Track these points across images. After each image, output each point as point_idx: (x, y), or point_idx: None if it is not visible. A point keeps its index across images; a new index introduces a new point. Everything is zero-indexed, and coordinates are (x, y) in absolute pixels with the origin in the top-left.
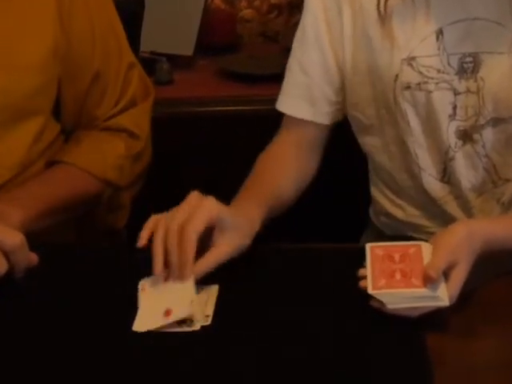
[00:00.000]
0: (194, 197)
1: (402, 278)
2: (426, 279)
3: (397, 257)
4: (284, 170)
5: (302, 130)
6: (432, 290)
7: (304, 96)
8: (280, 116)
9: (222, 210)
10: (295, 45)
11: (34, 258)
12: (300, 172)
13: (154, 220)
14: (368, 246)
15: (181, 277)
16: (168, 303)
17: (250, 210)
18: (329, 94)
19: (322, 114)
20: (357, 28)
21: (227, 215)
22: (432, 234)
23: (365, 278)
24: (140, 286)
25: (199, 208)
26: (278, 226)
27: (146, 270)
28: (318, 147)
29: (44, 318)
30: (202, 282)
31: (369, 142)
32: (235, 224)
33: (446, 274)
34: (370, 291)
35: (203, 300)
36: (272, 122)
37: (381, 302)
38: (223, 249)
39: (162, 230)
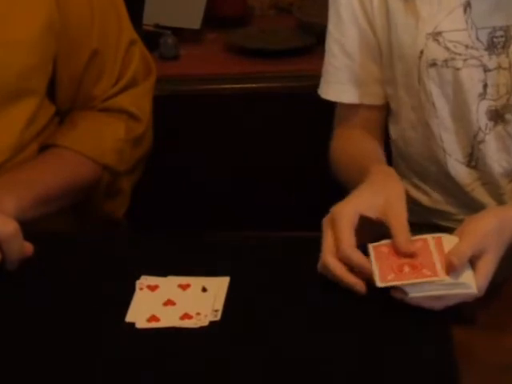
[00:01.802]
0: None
1: (411, 270)
2: (448, 267)
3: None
4: (370, 141)
5: (358, 114)
6: (455, 277)
7: (349, 80)
8: (296, 94)
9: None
10: (331, 25)
11: (28, 247)
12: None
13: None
14: (370, 245)
15: None
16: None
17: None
18: (374, 71)
19: (371, 95)
20: (381, 2)
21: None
22: (460, 221)
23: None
24: (138, 285)
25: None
26: (292, 216)
27: (147, 263)
28: (380, 126)
29: (37, 313)
30: (212, 273)
31: (388, 125)
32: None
33: (473, 264)
34: (379, 284)
35: (213, 293)
36: (285, 101)
37: (403, 292)
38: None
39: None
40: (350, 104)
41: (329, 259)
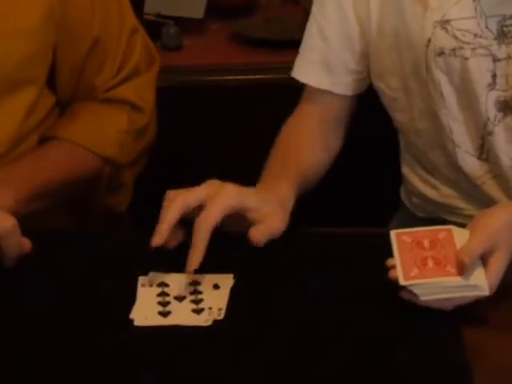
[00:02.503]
0: (211, 183)
1: (435, 266)
2: (459, 266)
3: (426, 243)
4: (308, 144)
5: (323, 100)
6: (468, 278)
7: (321, 63)
8: (299, 86)
9: (244, 196)
10: (315, 7)
11: (26, 244)
12: (325, 147)
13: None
14: (393, 232)
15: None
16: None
17: (280, 189)
18: (348, 61)
19: (341, 84)
20: None
21: (252, 201)
22: (469, 217)
23: (394, 268)
24: (140, 281)
25: (217, 195)
26: (297, 210)
27: (150, 259)
28: (342, 120)
29: (36, 310)
30: (215, 271)
31: (395, 117)
32: (265, 209)
33: (484, 261)
34: (402, 282)
35: (216, 291)
36: (290, 93)
37: (412, 294)
38: (274, 224)
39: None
40: (319, 89)
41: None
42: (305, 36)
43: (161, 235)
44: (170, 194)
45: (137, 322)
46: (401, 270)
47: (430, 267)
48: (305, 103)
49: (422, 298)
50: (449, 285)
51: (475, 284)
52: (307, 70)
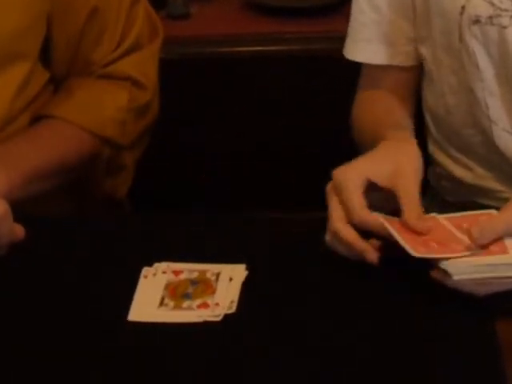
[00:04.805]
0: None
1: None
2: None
3: (465, 227)
4: (398, 106)
5: (387, 76)
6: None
7: (378, 37)
8: (318, 58)
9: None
10: None
11: (19, 231)
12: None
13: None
14: (381, 218)
15: None
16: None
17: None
18: (406, 29)
19: (401, 55)
20: None
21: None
22: (505, 200)
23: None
24: (143, 273)
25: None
26: (316, 195)
27: (151, 248)
28: (410, 92)
29: (30, 302)
30: (227, 260)
31: (424, 90)
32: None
33: None
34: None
35: (227, 283)
36: (308, 64)
37: (444, 273)
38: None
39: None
40: (378, 65)
41: (339, 225)
42: (352, 13)
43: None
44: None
45: (137, 318)
46: (408, 245)
47: (436, 247)
48: (365, 82)
49: (456, 278)
50: (486, 263)
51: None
52: (362, 48)
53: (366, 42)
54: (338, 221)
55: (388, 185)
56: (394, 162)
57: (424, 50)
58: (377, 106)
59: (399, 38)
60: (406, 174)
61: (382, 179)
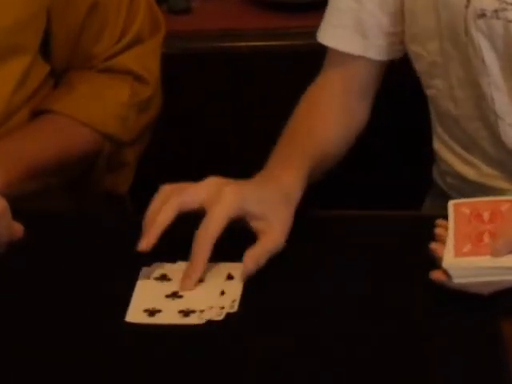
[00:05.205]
0: (211, 183)
1: (490, 243)
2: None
3: (486, 215)
4: (329, 117)
5: (350, 67)
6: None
7: (353, 26)
8: (320, 53)
9: (246, 200)
10: None
11: (18, 228)
12: (348, 120)
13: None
14: (451, 203)
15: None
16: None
17: (285, 180)
18: (384, 23)
19: (374, 48)
20: None
21: (254, 207)
22: None
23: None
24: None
25: (217, 200)
26: (323, 190)
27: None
28: (369, 90)
29: (26, 301)
30: (227, 258)
31: (430, 85)
32: (268, 213)
33: None
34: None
35: (229, 282)
36: (312, 60)
37: (445, 275)
38: (272, 237)
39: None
40: (349, 53)
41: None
42: None
43: (149, 240)
44: (166, 189)
45: (136, 319)
46: (452, 245)
47: (486, 243)
48: (328, 71)
49: (456, 281)
50: (490, 266)
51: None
52: (335, 34)
53: (341, 28)
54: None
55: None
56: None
57: (415, 47)
58: (307, 115)
59: (375, 31)
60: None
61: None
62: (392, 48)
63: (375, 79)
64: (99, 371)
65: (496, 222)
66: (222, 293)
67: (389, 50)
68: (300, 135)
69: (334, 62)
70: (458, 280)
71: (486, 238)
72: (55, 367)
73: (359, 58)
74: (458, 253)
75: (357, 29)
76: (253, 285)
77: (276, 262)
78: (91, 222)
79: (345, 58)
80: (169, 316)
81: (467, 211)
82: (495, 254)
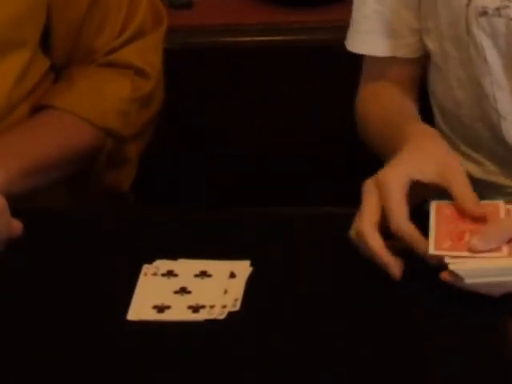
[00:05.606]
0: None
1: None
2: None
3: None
4: (403, 98)
5: (389, 69)
6: None
7: (382, 29)
8: (323, 48)
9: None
10: None
11: (17, 226)
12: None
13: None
14: (433, 203)
15: None
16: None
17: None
18: (410, 19)
19: (406, 47)
20: None
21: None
22: None
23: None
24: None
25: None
26: (324, 188)
27: (155, 243)
28: (415, 85)
29: (26, 300)
30: (230, 256)
31: (432, 83)
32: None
33: None
34: (432, 252)
35: (231, 280)
36: (315, 56)
37: (456, 276)
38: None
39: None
40: (381, 57)
41: (367, 228)
42: (355, 4)
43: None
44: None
45: (144, 317)
46: (433, 239)
47: (466, 241)
48: (366, 75)
49: (468, 281)
50: (498, 267)
51: None
52: (365, 40)
53: (369, 34)
54: (367, 223)
55: (436, 180)
56: (435, 159)
57: (430, 42)
58: (383, 99)
59: (403, 30)
60: (453, 168)
61: (428, 177)
62: (422, 44)
63: (416, 74)
64: (99, 371)
65: (477, 224)
66: (225, 291)
67: (419, 46)
68: (397, 107)
69: (371, 67)
70: (470, 280)
71: (467, 237)
72: (55, 367)
73: (392, 59)
74: (438, 248)
75: (384, 30)
76: (255, 284)
77: (278, 261)
78: (91, 220)
79: (380, 61)
80: (178, 312)
81: (448, 212)
82: (472, 248)
